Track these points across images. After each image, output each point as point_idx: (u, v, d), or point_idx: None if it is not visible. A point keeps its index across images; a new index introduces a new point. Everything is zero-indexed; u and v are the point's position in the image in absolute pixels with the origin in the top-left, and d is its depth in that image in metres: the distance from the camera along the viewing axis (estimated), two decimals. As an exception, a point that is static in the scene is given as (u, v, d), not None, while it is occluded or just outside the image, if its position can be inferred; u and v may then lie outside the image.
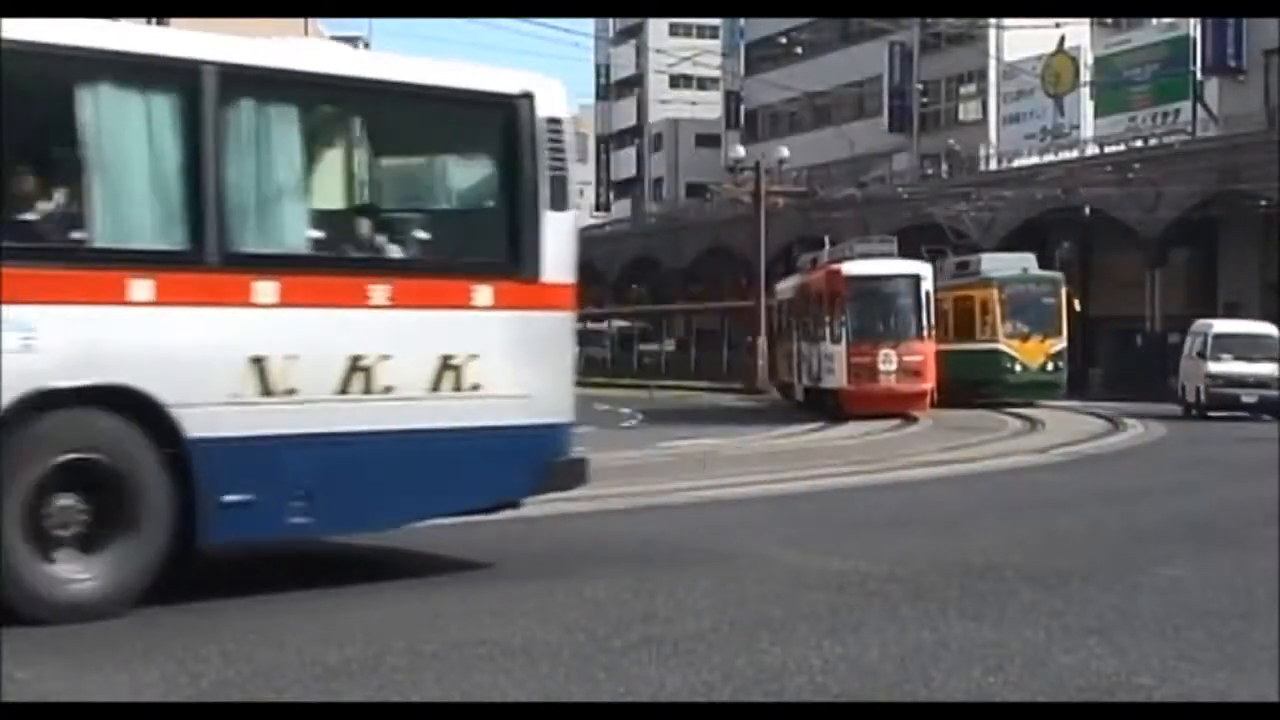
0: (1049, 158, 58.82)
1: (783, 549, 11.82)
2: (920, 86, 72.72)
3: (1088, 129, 60.81)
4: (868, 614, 8.70)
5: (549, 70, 10.58)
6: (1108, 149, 57.28)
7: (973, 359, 40.00)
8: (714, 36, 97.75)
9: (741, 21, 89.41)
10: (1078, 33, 61.31)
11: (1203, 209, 47.97)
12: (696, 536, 12.92)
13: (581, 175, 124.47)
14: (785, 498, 16.46)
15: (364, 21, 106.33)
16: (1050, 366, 40.49)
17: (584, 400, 43.72)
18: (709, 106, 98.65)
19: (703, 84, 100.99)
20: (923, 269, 35.92)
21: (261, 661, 7.36)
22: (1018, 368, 40.08)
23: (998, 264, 42.84)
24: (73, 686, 6.86)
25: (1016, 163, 59.96)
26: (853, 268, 35.65)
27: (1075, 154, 58.60)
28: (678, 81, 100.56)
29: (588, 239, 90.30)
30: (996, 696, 6.62)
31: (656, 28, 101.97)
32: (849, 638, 7.95)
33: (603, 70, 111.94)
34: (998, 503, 16.57)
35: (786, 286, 45.02)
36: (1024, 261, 43.31)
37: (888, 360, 33.64)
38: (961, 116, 71.03)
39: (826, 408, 34.32)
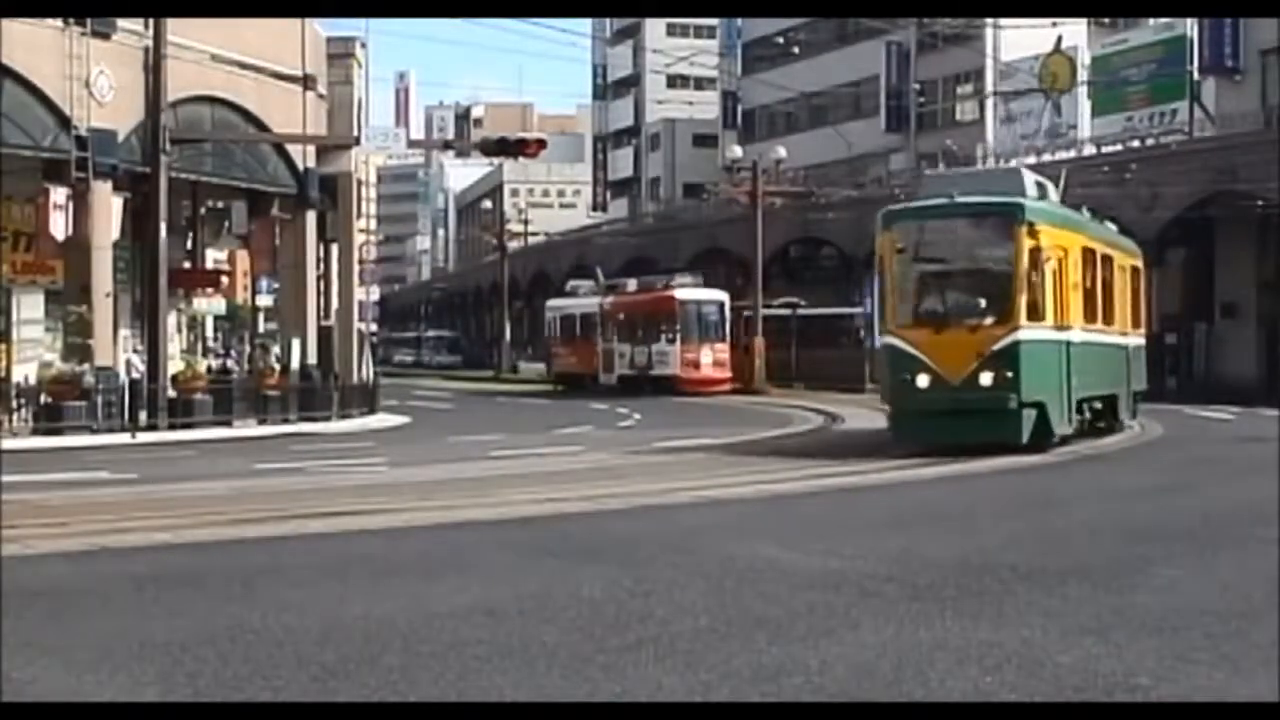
0: (1046, 158, 58.84)
1: (780, 549, 11.81)
2: (917, 86, 72.77)
3: (1085, 129, 60.85)
4: (865, 614, 8.69)
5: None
6: (1104, 149, 57.31)
7: (883, 365, 24.52)
8: (711, 36, 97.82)
9: (738, 21, 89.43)
10: (1075, 33, 61.42)
11: (1200, 209, 47.97)
12: (694, 536, 12.91)
13: (578, 175, 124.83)
14: (783, 498, 16.45)
15: (360, 22, 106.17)
16: (989, 380, 21.41)
17: (582, 400, 44.14)
18: (706, 106, 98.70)
19: (700, 84, 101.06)
20: (723, 295, 52.95)
21: (258, 661, 7.35)
22: (920, 381, 21.77)
23: (941, 185, 25.01)
24: (71, 686, 6.85)
25: (1013, 163, 59.99)
26: (682, 294, 52.03)
27: (1072, 154, 58.61)
28: (675, 81, 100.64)
29: (584, 239, 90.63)
30: (994, 696, 6.62)
31: (653, 28, 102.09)
32: (846, 637, 7.95)
33: (599, 70, 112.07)
34: (995, 502, 16.57)
35: (568, 303, 61.14)
36: (1000, 181, 24.98)
37: (706, 355, 50.87)
38: (958, 116, 71.07)
39: (658, 389, 49.49)
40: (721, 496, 16.28)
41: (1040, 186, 24.47)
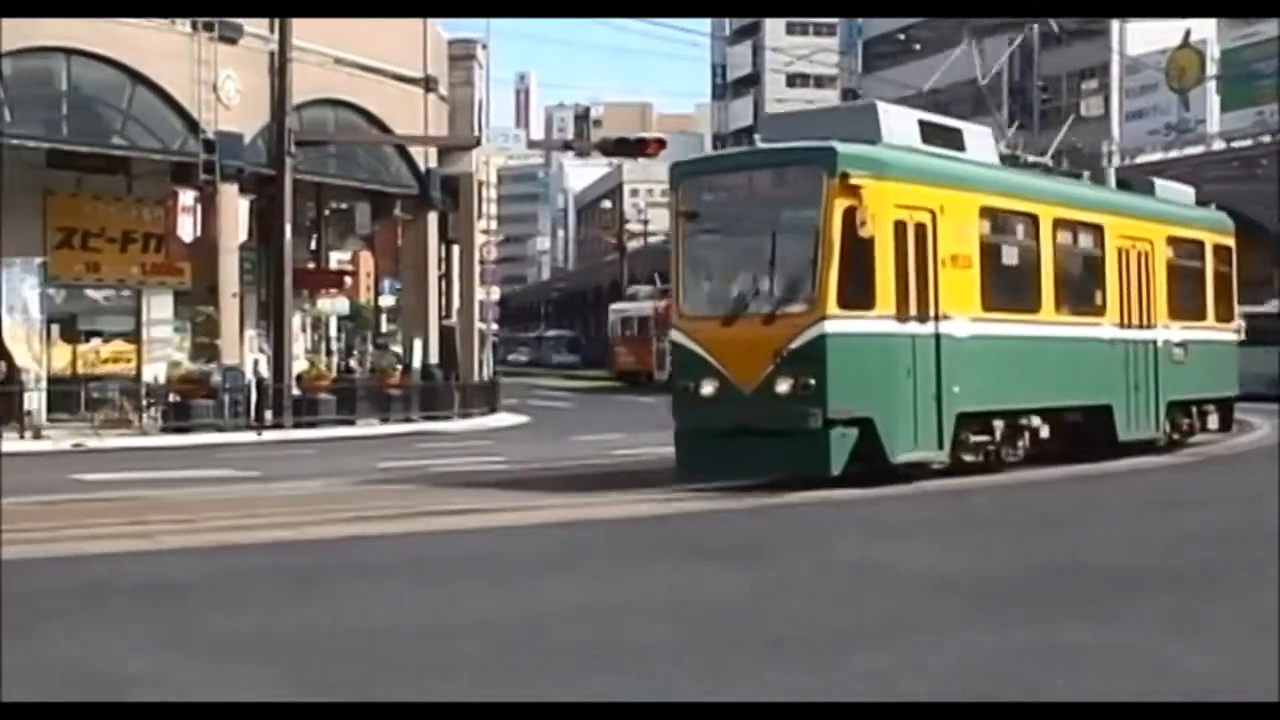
0: (1174, 153, 57.88)
1: (893, 550, 11.71)
2: (1041, 82, 71.87)
3: (1213, 124, 59.78)
4: (977, 615, 8.59)
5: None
6: (1234, 144, 56.27)
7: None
8: (831, 34, 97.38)
9: (859, 19, 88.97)
10: (1204, 26, 60.32)
11: (1333, 205, 46.96)
12: (807, 537, 12.85)
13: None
14: (894, 499, 16.29)
15: (482, 23, 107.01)
16: (786, 388, 16.10)
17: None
18: (826, 105, 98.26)
19: (820, 82, 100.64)
20: None
21: (376, 660, 7.40)
22: (705, 388, 16.65)
23: (779, 129, 18.94)
24: (202, 680, 6.92)
25: (1140, 159, 59.10)
26: None
27: (1201, 149, 57.62)
28: (795, 80, 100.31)
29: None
30: (1111, 697, 6.50)
31: (773, 26, 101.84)
32: (961, 638, 7.86)
33: (719, 70, 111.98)
34: (1119, 504, 16.31)
35: (628, 307, 66.05)
36: (850, 121, 18.25)
37: None
38: (1083, 112, 70.08)
39: None
40: (836, 498, 16.14)
41: (935, 130, 18.87)
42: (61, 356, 32.44)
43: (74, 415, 30.93)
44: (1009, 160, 21.27)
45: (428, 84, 38.20)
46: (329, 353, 42.02)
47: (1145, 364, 21.61)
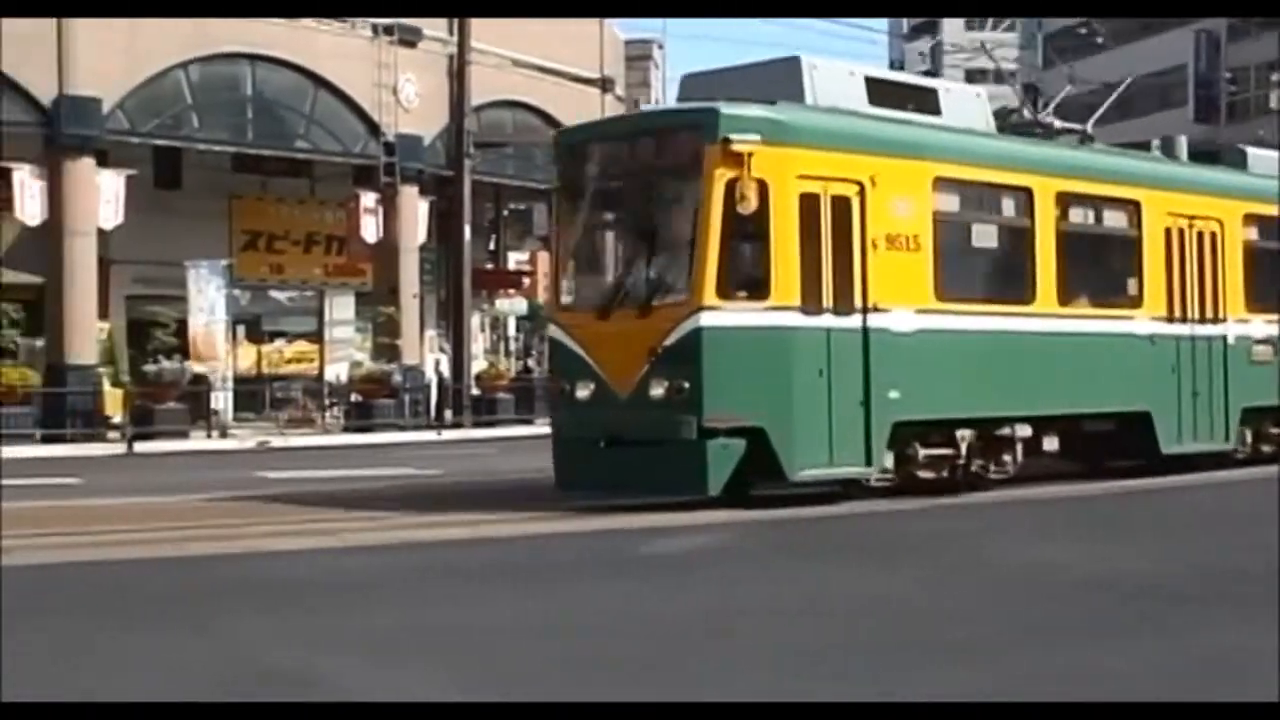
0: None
1: (1061, 550, 11.44)
2: (1228, 75, 70.08)
3: None
4: (1157, 616, 8.35)
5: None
6: None
7: None
8: (1011, 29, 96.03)
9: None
10: (1401, 13, 58.34)
11: None
12: (971, 536, 12.62)
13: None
14: (1068, 500, 15.91)
15: (659, 23, 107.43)
16: (660, 392, 13.72)
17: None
18: (1006, 100, 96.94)
19: (999, 77, 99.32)
20: None
21: (550, 658, 7.40)
22: (580, 391, 14.47)
23: (700, 89, 15.69)
24: (380, 679, 6.97)
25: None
26: None
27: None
28: (974, 76, 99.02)
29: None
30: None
31: (951, 22, 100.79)
32: (1141, 640, 7.64)
33: (897, 66, 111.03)
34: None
35: None
36: (771, 78, 15.40)
37: None
38: (1272, 105, 68.19)
39: None
40: (1007, 498, 15.79)
41: (892, 90, 16.40)
42: (247, 357, 33.25)
43: (259, 414, 31.68)
44: (1035, 127, 19.13)
45: (604, 84, 38.41)
46: (507, 352, 42.45)
47: (1207, 364, 18.26)
